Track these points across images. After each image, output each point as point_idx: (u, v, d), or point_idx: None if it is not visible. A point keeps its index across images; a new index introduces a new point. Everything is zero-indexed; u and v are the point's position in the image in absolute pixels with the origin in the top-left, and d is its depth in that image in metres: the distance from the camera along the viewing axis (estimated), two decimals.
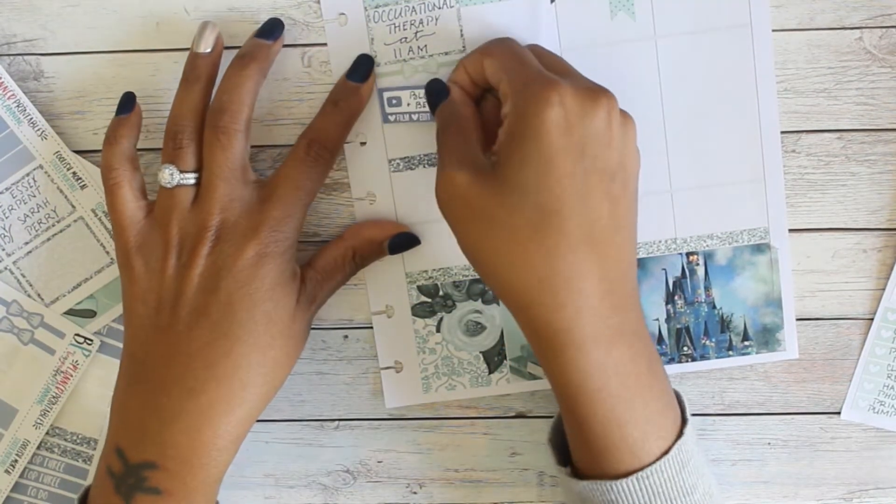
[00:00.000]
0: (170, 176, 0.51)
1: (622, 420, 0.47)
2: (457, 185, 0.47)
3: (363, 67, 0.53)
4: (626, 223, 0.48)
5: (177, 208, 0.51)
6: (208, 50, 0.52)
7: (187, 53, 0.53)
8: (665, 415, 0.49)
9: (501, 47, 0.50)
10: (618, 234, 0.47)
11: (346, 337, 0.58)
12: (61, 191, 0.56)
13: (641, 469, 0.47)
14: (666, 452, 0.48)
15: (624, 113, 0.48)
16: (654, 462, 0.48)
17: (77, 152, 0.56)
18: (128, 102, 0.53)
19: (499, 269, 0.47)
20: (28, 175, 0.56)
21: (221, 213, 0.50)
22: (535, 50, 0.51)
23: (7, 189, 0.56)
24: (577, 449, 0.50)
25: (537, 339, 0.48)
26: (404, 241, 0.54)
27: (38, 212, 0.57)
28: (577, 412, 0.48)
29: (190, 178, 0.51)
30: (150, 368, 0.50)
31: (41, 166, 0.56)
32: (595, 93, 0.47)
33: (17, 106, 0.55)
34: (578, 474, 0.50)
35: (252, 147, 0.55)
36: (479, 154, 0.48)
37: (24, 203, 0.56)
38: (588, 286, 0.46)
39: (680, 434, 0.49)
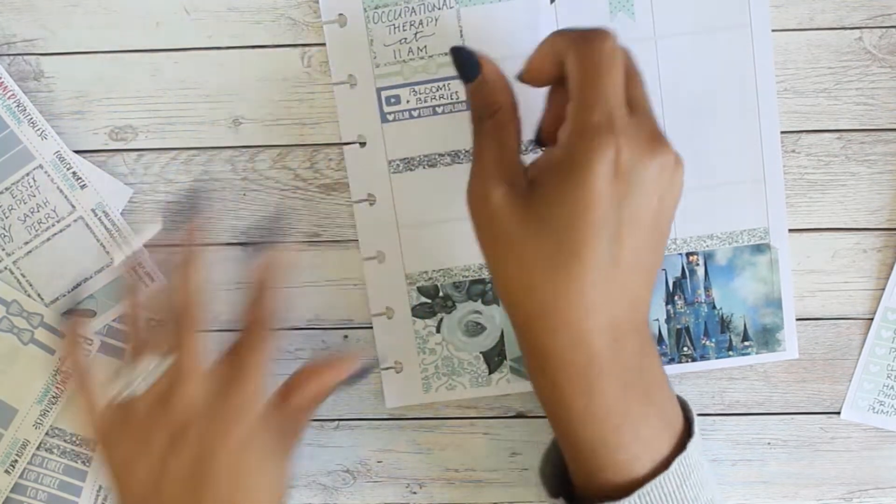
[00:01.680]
0: (145, 369, 0.51)
1: (610, 444, 0.47)
2: (490, 202, 0.46)
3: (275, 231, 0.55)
4: (644, 262, 0.47)
5: (154, 402, 0.50)
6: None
7: (185, 55, 0.53)
8: (660, 437, 0.48)
9: (592, 54, 0.46)
10: (634, 273, 0.46)
11: (346, 337, 0.58)
12: (61, 191, 0.56)
13: (636, 488, 0.47)
14: (662, 468, 0.47)
15: (677, 161, 0.46)
16: (648, 480, 0.47)
17: (77, 152, 0.56)
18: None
19: (509, 289, 0.47)
20: (28, 175, 0.56)
21: (193, 407, 0.50)
22: (627, 66, 0.48)
23: (7, 189, 0.56)
24: (573, 470, 0.50)
25: (533, 359, 0.48)
26: (360, 374, 0.54)
27: (38, 212, 0.57)
28: (566, 432, 0.48)
29: (156, 370, 0.51)
30: None
31: (41, 166, 0.56)
32: (653, 146, 0.45)
33: (17, 106, 0.55)
34: (575, 497, 0.50)
35: (252, 147, 0.55)
36: (516, 165, 0.47)
37: (24, 203, 0.56)
38: (589, 324, 0.46)
39: (681, 448, 0.48)
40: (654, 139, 0.45)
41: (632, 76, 0.47)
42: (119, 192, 0.56)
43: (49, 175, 0.56)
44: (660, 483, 0.47)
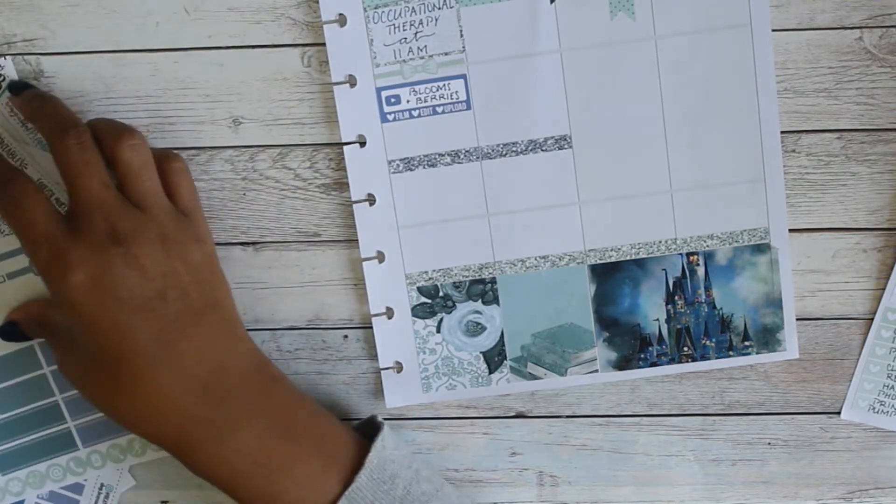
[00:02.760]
0: None
1: (270, 495, 0.49)
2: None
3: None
4: (184, 324, 0.49)
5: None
6: None
7: (185, 55, 0.53)
8: (325, 471, 0.50)
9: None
10: (181, 337, 0.49)
11: (346, 337, 0.58)
12: None
13: None
14: None
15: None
16: None
17: None
18: None
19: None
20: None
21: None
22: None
23: None
24: None
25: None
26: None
27: None
28: (233, 499, 0.50)
29: None
30: None
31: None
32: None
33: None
34: None
35: (252, 147, 0.55)
36: None
37: None
38: (170, 405, 0.48)
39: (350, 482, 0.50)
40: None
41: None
42: None
43: None
44: None
